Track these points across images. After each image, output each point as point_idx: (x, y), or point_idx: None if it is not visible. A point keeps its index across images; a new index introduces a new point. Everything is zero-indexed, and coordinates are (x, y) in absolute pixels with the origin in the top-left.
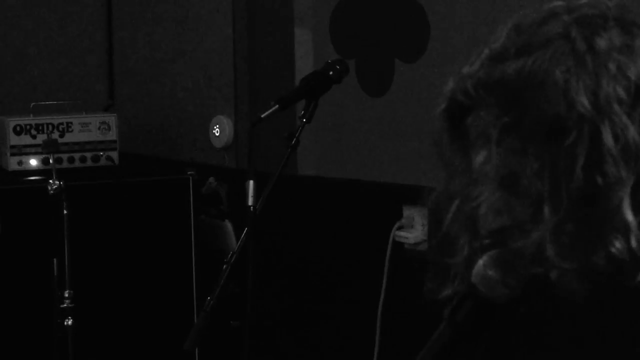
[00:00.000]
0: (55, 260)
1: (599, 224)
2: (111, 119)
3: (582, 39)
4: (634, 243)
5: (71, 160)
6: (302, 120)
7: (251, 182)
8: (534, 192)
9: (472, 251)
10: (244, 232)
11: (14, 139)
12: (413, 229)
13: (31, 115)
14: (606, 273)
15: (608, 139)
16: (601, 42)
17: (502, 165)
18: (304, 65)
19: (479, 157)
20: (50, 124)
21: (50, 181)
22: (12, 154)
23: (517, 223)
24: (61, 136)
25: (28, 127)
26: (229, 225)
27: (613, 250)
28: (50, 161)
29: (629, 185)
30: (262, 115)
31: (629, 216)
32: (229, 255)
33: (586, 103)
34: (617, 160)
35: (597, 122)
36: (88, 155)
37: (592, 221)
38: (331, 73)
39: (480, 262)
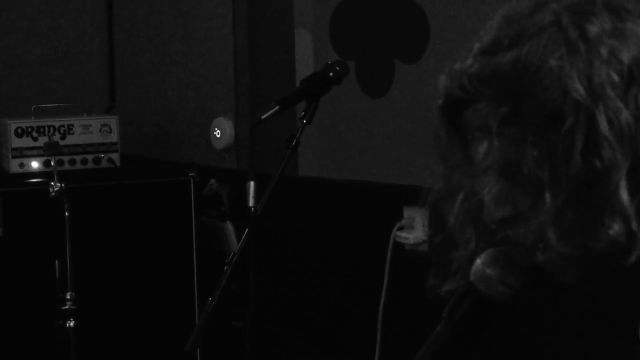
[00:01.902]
0: (57, 262)
1: (597, 207)
2: (112, 121)
3: (573, 25)
4: (632, 225)
5: (72, 162)
6: (303, 122)
7: (252, 183)
8: (534, 180)
9: (476, 244)
10: (245, 233)
11: (15, 141)
12: (413, 230)
13: (33, 117)
14: (605, 255)
15: (603, 123)
16: (592, 28)
17: (503, 156)
18: (304, 66)
19: (480, 149)
20: (52, 126)
21: (52, 183)
22: (14, 156)
23: (519, 212)
24: (62, 138)
25: (29, 129)
26: (230, 226)
27: (612, 232)
28: (52, 163)
29: (625, 169)
30: (263, 117)
31: (626, 199)
32: (230, 256)
33: (580, 89)
34: (613, 144)
35: (592, 107)
36: (89, 157)
37: (591, 205)
38: (331, 74)
39: (479, 260)
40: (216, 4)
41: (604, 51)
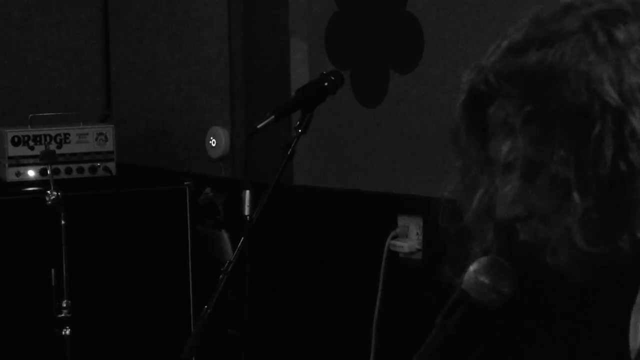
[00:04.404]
0: (53, 270)
1: (624, 210)
2: (108, 130)
3: (602, 31)
4: None
5: (69, 171)
6: (298, 131)
7: (247, 192)
8: (560, 180)
9: (492, 239)
10: (241, 241)
11: (12, 150)
12: (408, 239)
13: (29, 126)
14: (630, 257)
15: (633, 127)
16: (620, 35)
17: (527, 155)
18: (300, 76)
19: (504, 147)
20: (48, 135)
21: (48, 192)
22: (10, 165)
23: (537, 214)
24: (59, 147)
25: (26, 138)
26: (225, 235)
27: (639, 235)
28: (48, 172)
29: None
30: (258, 126)
31: None
32: (226, 265)
33: (612, 93)
34: None
35: (624, 111)
36: (85, 166)
37: (618, 208)
38: (326, 84)
39: (471, 268)
40: (212, 14)
41: (633, 57)
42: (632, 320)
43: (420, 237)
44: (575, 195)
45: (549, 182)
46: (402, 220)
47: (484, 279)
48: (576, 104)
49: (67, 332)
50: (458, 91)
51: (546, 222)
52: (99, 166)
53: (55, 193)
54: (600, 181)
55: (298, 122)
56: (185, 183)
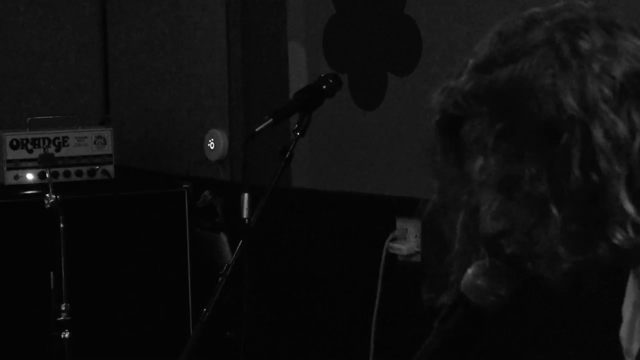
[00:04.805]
0: (51, 273)
1: (600, 218)
2: (107, 133)
3: (566, 42)
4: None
5: (67, 174)
6: (296, 134)
7: (246, 195)
8: (536, 195)
9: (472, 257)
10: (239, 244)
11: (10, 154)
12: (406, 241)
13: (27, 129)
14: (611, 263)
15: (599, 136)
16: (584, 44)
17: (500, 171)
18: (298, 79)
19: (476, 165)
20: (47, 138)
21: (47, 195)
22: (9, 168)
23: (520, 227)
24: (57, 150)
25: (24, 141)
26: (224, 237)
27: (616, 241)
28: (47, 175)
29: (624, 179)
30: (257, 129)
31: (629, 207)
32: (224, 268)
33: (573, 104)
34: (609, 156)
35: (587, 121)
36: (84, 169)
37: (595, 217)
38: (324, 87)
39: (469, 271)
40: (210, 17)
41: (596, 67)
42: (629, 320)
43: (419, 240)
44: (553, 208)
45: (525, 197)
46: (400, 223)
47: (481, 282)
48: (543, 117)
49: (66, 335)
50: (430, 112)
51: (529, 234)
52: (97, 169)
53: (53, 196)
54: (573, 193)
55: (296, 125)
56: (184, 186)
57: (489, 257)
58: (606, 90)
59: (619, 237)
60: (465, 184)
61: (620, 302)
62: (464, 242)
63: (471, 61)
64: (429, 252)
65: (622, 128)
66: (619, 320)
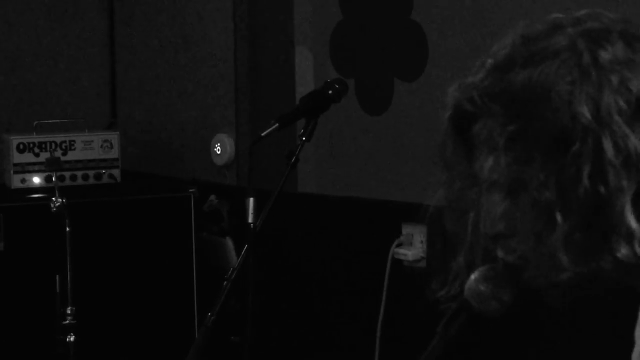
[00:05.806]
0: (57, 277)
1: (604, 230)
2: (113, 137)
3: (588, 52)
4: (638, 248)
5: (74, 178)
6: (302, 139)
7: (251, 199)
8: (543, 201)
9: (474, 256)
10: (244, 248)
11: (17, 157)
12: (412, 247)
13: (34, 133)
14: (613, 277)
15: (609, 148)
16: (605, 56)
17: (509, 173)
18: (304, 84)
19: (486, 164)
20: (53, 142)
21: (53, 199)
22: (16, 172)
23: (522, 233)
24: (64, 154)
25: (31, 145)
26: (229, 242)
27: (619, 255)
28: (53, 179)
29: (630, 194)
30: (263, 134)
31: (633, 223)
32: (230, 272)
33: (587, 114)
34: (618, 169)
35: (599, 132)
36: (90, 173)
37: (599, 228)
38: (330, 92)
39: (472, 277)
40: (217, 22)
41: (614, 79)
42: None
43: (425, 245)
44: (558, 216)
45: (531, 202)
46: (406, 229)
47: (484, 288)
48: (557, 124)
49: (72, 338)
50: (444, 106)
51: (529, 241)
52: (104, 173)
53: (60, 200)
54: (580, 202)
55: (302, 130)
56: (190, 190)
57: (488, 262)
58: (622, 103)
59: (623, 251)
60: (473, 182)
61: (633, 325)
62: (470, 238)
63: (490, 60)
64: (434, 255)
65: (633, 142)
66: (631, 343)
